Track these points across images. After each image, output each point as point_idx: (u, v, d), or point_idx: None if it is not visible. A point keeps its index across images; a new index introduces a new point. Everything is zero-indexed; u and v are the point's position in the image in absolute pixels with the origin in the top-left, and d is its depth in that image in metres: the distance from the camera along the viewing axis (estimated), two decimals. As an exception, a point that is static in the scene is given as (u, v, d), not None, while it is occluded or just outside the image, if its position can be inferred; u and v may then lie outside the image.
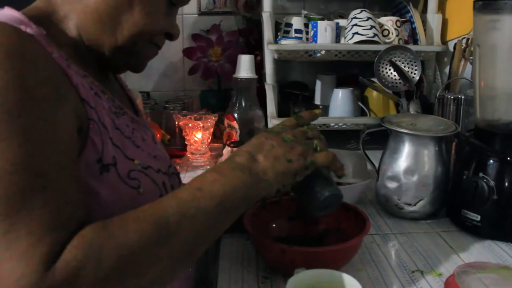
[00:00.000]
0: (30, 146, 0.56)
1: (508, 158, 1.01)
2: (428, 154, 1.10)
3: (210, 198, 0.66)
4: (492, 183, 1.01)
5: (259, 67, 1.73)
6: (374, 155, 1.25)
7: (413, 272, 0.90)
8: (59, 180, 0.58)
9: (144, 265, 0.57)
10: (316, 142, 0.80)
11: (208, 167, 1.54)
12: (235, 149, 1.50)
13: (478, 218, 1.03)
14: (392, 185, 1.12)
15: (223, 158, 1.51)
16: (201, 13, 2.05)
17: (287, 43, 1.63)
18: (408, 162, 1.10)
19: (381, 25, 1.65)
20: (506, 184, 1.00)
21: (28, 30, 0.65)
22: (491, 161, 1.03)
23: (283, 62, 1.80)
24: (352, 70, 1.91)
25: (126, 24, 0.76)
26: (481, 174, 1.02)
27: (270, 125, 1.63)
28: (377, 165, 1.20)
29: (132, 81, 1.00)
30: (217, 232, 0.69)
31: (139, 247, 0.57)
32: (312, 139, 0.81)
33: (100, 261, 0.53)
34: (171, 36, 0.85)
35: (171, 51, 2.02)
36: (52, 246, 0.52)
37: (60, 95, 0.63)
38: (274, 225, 1.00)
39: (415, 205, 1.10)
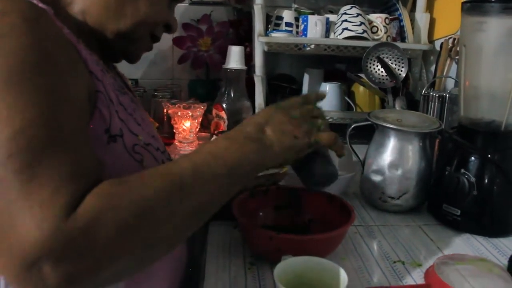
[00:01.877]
0: (50, 103, 0.59)
1: (489, 156, 1.04)
2: (413, 149, 1.13)
3: (223, 165, 0.69)
4: (472, 179, 1.04)
5: (248, 58, 1.75)
6: (360, 149, 1.28)
7: (394, 262, 0.93)
8: (77, 137, 0.61)
9: (159, 219, 0.59)
10: (320, 121, 0.84)
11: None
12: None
13: (458, 212, 1.06)
14: (376, 178, 1.15)
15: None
16: (192, 3, 2.06)
17: (277, 36, 1.65)
18: (393, 157, 1.13)
19: (370, 22, 1.68)
20: (486, 180, 1.04)
21: (40, 5, 0.68)
22: (473, 158, 1.06)
23: (271, 55, 1.82)
24: (339, 64, 1.95)
25: (130, 12, 0.81)
26: (462, 170, 1.06)
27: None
28: (362, 159, 1.23)
29: (121, 67, 1.01)
30: (226, 197, 0.71)
31: (155, 201, 0.59)
32: (317, 118, 0.84)
33: (119, 210, 0.55)
34: (170, 28, 0.90)
35: (161, 40, 2.02)
36: (72, 194, 0.54)
37: (73, 62, 0.67)
38: (261, 213, 1.03)
39: (398, 198, 1.13)
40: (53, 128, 0.58)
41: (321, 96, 0.92)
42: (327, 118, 1.62)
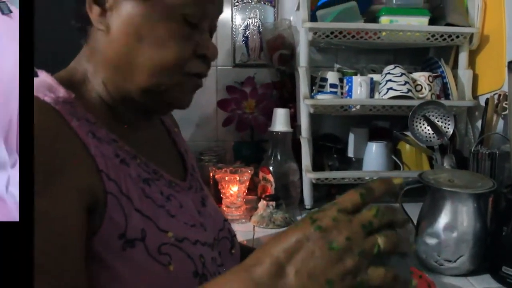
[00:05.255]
0: None
1: (548, 216, 1.02)
2: (467, 211, 1.11)
3: None
4: (532, 239, 1.02)
5: (292, 119, 1.77)
6: (408, 208, 1.26)
7: (458, 330, 0.91)
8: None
9: None
10: (380, 240, 0.53)
11: (243, 220, 1.56)
12: (270, 203, 1.52)
13: (520, 275, 1.04)
14: (431, 241, 1.13)
15: (259, 211, 1.53)
16: (236, 65, 2.10)
17: (323, 98, 1.67)
18: (448, 219, 1.12)
19: (414, 81, 1.69)
20: (547, 241, 1.02)
21: (46, 98, 0.64)
22: (531, 217, 1.04)
23: (315, 115, 1.84)
24: (383, 122, 1.95)
25: (142, 62, 0.70)
26: (521, 231, 1.04)
27: (305, 178, 1.65)
28: (414, 220, 1.21)
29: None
30: None
31: None
32: (378, 231, 0.54)
33: None
34: (205, 57, 0.75)
35: (204, 102, 2.07)
36: None
37: (60, 175, 0.59)
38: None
39: (455, 261, 1.11)
40: None
41: (392, 186, 0.58)
42: (375, 178, 1.62)
